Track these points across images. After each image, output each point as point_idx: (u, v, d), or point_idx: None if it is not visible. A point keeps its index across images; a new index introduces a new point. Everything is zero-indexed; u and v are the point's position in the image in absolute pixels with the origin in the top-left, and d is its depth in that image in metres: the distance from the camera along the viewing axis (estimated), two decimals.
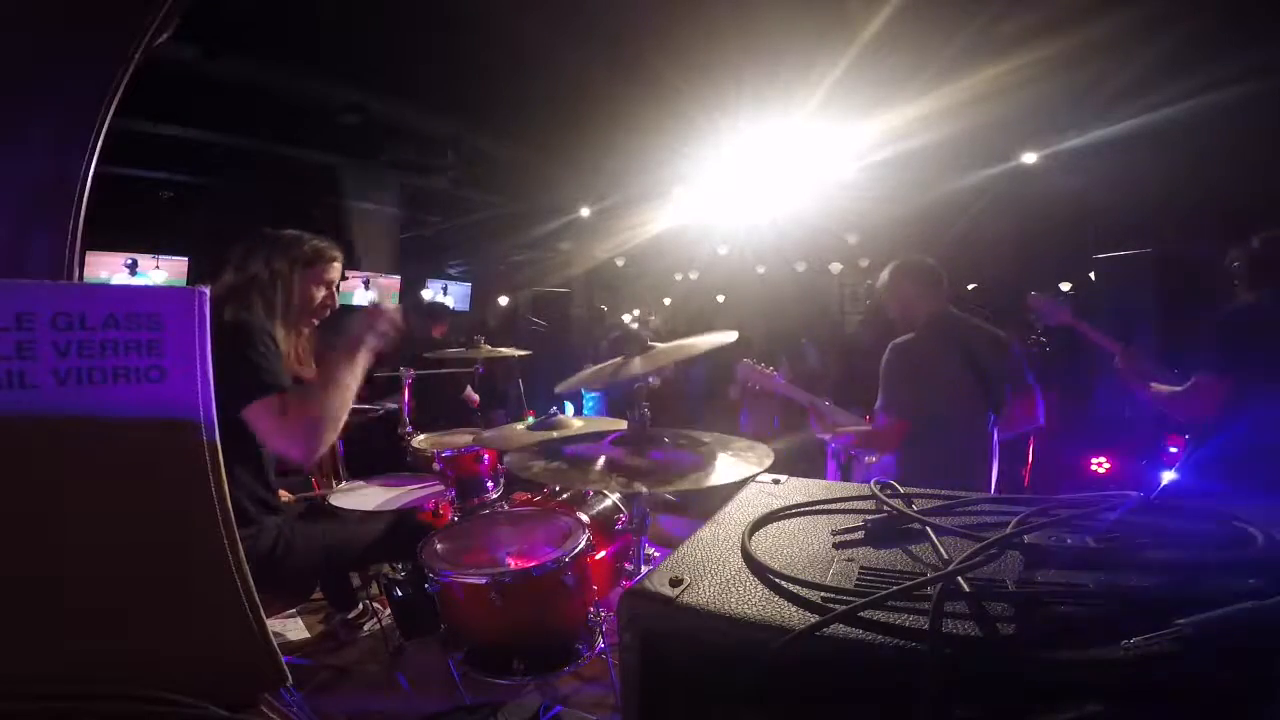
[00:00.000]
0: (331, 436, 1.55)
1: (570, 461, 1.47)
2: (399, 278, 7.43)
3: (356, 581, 2.41)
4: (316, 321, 1.89)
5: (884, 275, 2.45)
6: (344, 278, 1.97)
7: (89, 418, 0.60)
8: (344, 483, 2.40)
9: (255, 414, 1.50)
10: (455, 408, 4.05)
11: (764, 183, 4.73)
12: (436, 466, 2.30)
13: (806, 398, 2.60)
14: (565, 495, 2.13)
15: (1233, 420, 1.96)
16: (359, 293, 6.57)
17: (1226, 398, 1.95)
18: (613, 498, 2.06)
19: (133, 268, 5.21)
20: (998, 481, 2.37)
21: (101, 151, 0.82)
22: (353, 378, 1.60)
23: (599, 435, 1.58)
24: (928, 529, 0.73)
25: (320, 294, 1.86)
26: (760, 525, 0.81)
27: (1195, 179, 3.74)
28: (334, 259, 1.89)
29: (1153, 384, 2.17)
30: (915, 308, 2.33)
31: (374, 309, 1.73)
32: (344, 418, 1.57)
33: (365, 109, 3.80)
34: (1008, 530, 0.69)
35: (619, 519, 1.97)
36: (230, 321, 1.58)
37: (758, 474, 1.06)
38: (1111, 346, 2.43)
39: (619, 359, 1.66)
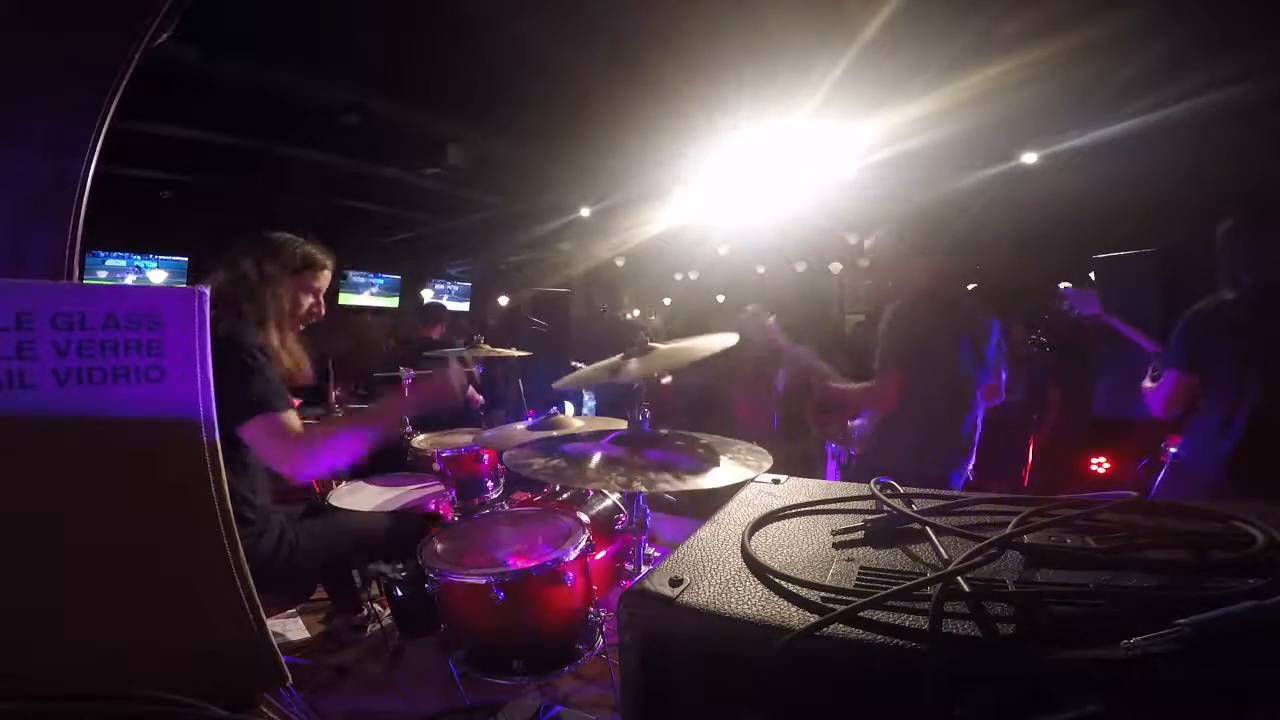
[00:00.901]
0: (326, 469, 1.61)
1: (569, 459, 1.48)
2: (399, 277, 7.44)
3: (358, 582, 2.41)
4: (302, 328, 1.89)
5: (881, 239, 2.41)
6: (343, 276, 1.98)
7: (89, 418, 0.60)
8: (344, 483, 2.40)
9: (252, 431, 1.52)
10: (455, 408, 4.04)
11: (764, 183, 4.73)
12: (436, 466, 2.30)
13: (806, 356, 2.53)
14: (565, 495, 2.13)
15: (1206, 418, 1.98)
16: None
17: (1195, 394, 1.99)
18: (613, 498, 2.06)
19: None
20: (978, 470, 2.40)
21: (101, 151, 0.82)
22: (380, 431, 1.69)
23: (598, 435, 1.59)
24: (928, 529, 0.73)
25: (308, 301, 1.86)
26: (760, 525, 0.81)
27: (1196, 179, 3.73)
28: (324, 267, 1.88)
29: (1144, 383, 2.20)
30: (915, 276, 2.33)
31: (449, 384, 1.78)
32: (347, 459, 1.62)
33: (365, 109, 3.79)
34: (1008, 530, 0.70)
35: (619, 519, 1.97)
36: (225, 336, 1.58)
37: (757, 476, 1.07)
38: (1139, 339, 2.45)
39: (616, 357, 1.67)
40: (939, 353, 2.24)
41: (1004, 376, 2.45)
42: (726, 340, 1.71)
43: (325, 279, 1.90)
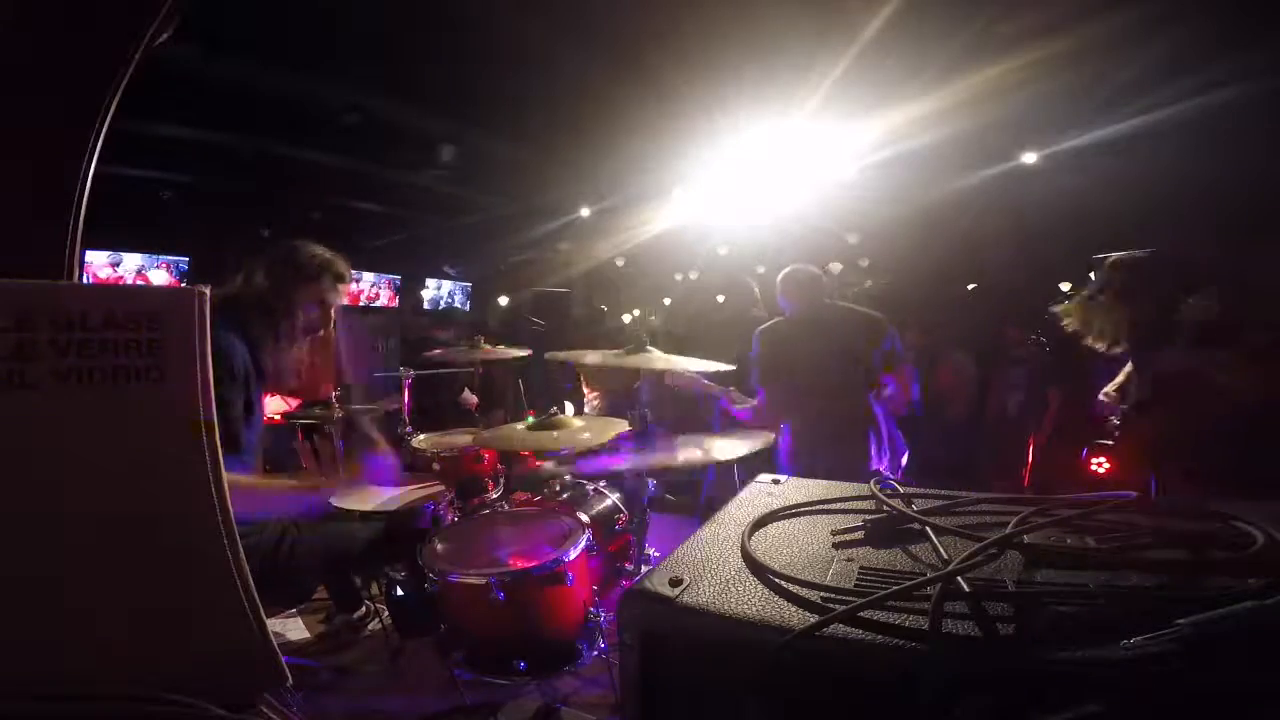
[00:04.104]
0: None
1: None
2: (399, 277, 7.43)
3: (358, 581, 2.41)
4: (308, 339, 1.87)
5: (778, 279, 2.81)
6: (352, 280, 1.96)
7: (89, 418, 0.60)
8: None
9: None
10: (455, 408, 4.05)
11: (764, 183, 4.73)
12: (436, 466, 2.30)
13: (718, 389, 2.93)
14: (565, 495, 2.13)
15: None
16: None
17: None
18: (613, 498, 2.06)
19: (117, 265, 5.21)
20: (934, 473, 2.55)
21: (101, 151, 0.82)
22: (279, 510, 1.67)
23: (608, 443, 1.61)
24: (927, 529, 0.73)
25: (313, 313, 1.83)
26: (760, 525, 0.81)
27: (1196, 179, 3.73)
28: (337, 277, 1.86)
29: None
30: (791, 300, 2.76)
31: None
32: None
33: (365, 109, 3.79)
34: (1008, 530, 0.69)
35: (619, 519, 1.97)
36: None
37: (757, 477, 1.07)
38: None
39: (617, 352, 1.69)
40: (805, 363, 2.60)
41: (913, 379, 2.78)
42: (722, 369, 1.84)
43: (337, 293, 1.88)
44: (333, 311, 1.90)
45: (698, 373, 2.72)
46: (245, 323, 1.70)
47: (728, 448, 2.10)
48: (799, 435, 2.64)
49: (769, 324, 2.78)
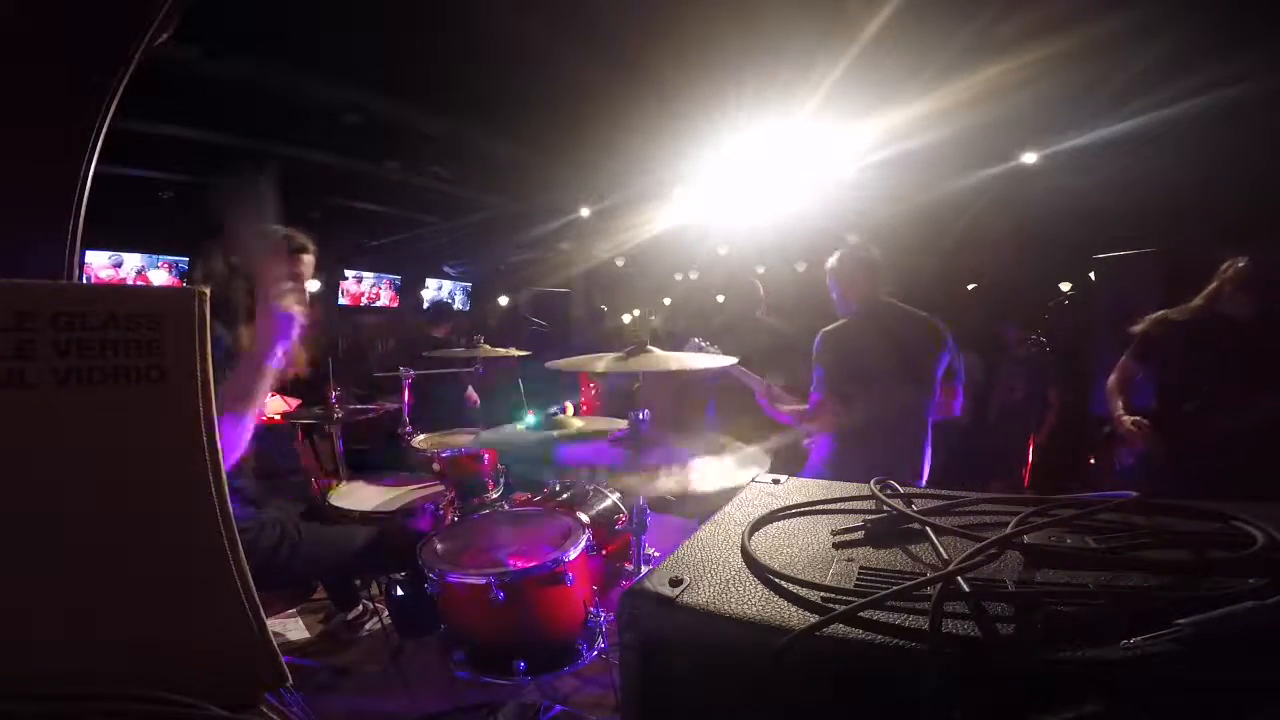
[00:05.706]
0: (236, 445, 1.36)
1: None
2: (399, 277, 7.44)
3: (357, 581, 2.41)
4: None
5: (830, 261, 2.56)
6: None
7: (89, 417, 0.60)
8: (344, 483, 2.40)
9: None
10: (455, 408, 4.05)
11: (764, 183, 4.73)
12: (436, 467, 2.30)
13: (760, 383, 2.68)
14: (565, 495, 2.13)
15: None
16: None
17: None
18: (612, 498, 2.06)
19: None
20: (932, 472, 2.45)
21: (101, 151, 0.82)
22: (258, 381, 1.41)
23: (599, 435, 1.59)
24: (927, 529, 0.73)
25: None
26: (760, 525, 0.81)
27: (1197, 179, 3.74)
28: (300, 248, 1.80)
29: None
30: (850, 293, 2.47)
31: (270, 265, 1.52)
32: (247, 427, 1.38)
33: (365, 109, 3.80)
34: (1008, 530, 0.69)
35: (619, 519, 1.97)
36: None
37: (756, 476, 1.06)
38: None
39: (618, 353, 1.68)
40: (869, 370, 2.32)
41: (959, 391, 2.51)
42: (720, 360, 1.75)
43: (303, 264, 1.81)
44: (305, 286, 1.84)
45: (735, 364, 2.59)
46: (222, 311, 1.67)
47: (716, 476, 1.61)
48: (845, 445, 2.36)
49: (836, 326, 2.45)
